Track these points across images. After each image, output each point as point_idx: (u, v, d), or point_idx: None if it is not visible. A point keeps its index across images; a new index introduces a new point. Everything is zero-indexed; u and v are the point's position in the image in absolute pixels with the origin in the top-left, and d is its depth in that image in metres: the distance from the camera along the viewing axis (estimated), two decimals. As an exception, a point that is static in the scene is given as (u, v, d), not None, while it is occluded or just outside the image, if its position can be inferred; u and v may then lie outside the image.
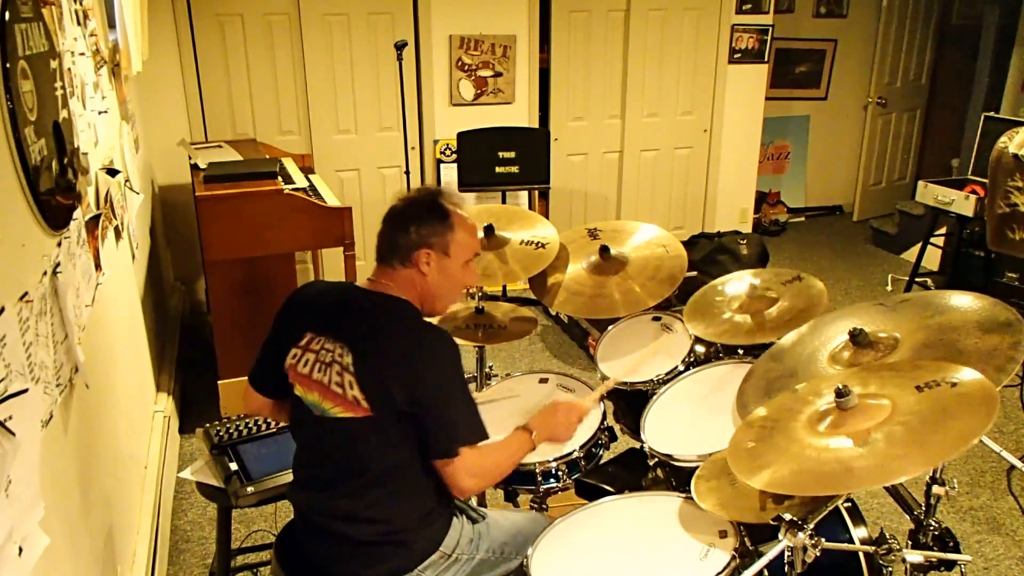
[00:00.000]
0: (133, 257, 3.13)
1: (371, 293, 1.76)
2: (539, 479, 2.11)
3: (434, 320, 2.63)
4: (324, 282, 1.98)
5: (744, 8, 5.60)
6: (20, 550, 1.10)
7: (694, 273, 4.17)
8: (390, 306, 1.73)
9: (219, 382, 3.54)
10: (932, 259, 5.31)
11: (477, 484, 1.74)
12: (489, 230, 2.53)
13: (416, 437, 1.67)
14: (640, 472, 2.15)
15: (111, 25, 3.05)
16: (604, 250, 2.47)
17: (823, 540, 1.49)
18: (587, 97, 5.50)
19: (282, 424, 2.20)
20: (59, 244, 1.60)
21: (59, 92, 1.75)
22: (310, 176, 4.16)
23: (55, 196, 1.60)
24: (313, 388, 1.70)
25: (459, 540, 1.78)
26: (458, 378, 1.71)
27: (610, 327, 2.61)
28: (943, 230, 5.18)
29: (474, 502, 2.35)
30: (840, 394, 1.47)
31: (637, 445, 2.21)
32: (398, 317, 1.72)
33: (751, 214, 6.21)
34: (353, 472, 1.69)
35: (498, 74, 5.14)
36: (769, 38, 5.73)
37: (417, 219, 1.75)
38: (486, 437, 1.73)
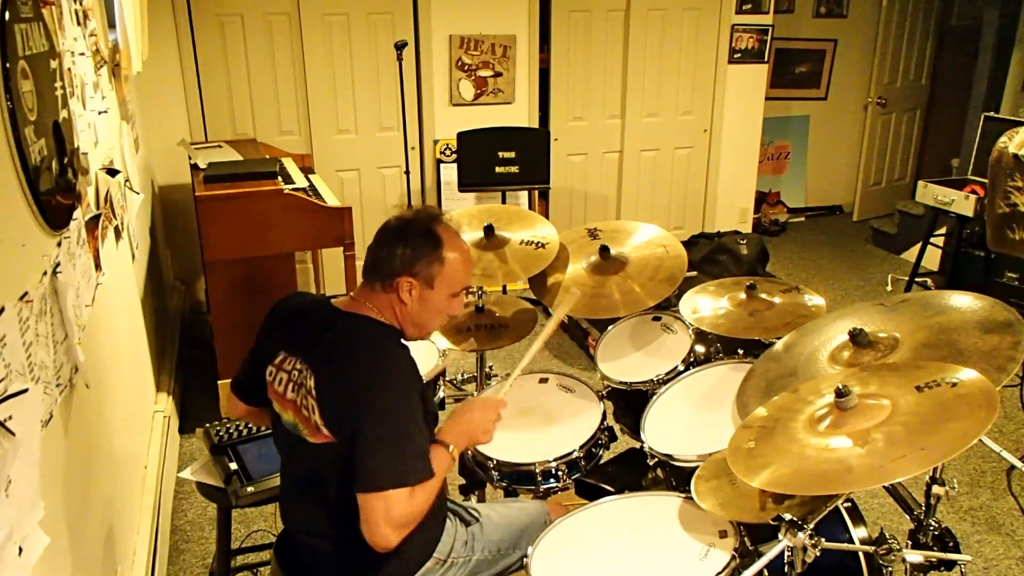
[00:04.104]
0: (133, 257, 3.13)
1: (344, 314, 1.69)
2: (539, 479, 2.11)
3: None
4: (304, 296, 1.88)
5: (744, 8, 5.60)
6: (20, 550, 1.10)
7: (694, 273, 4.19)
8: (359, 330, 1.66)
9: (219, 382, 3.54)
10: (932, 259, 5.31)
11: (400, 536, 1.52)
12: (489, 230, 2.53)
13: None
14: (640, 472, 2.15)
15: (111, 25, 3.05)
16: (604, 250, 2.47)
17: (823, 540, 1.49)
18: (587, 97, 5.50)
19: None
20: (59, 244, 1.60)
21: (59, 92, 1.75)
22: (310, 176, 4.16)
23: (55, 196, 1.60)
24: (288, 407, 1.67)
25: (453, 544, 1.77)
26: (399, 413, 1.56)
27: (610, 327, 2.61)
28: (943, 230, 5.18)
29: (473, 501, 2.35)
30: (840, 394, 1.47)
31: (637, 445, 2.21)
32: (363, 343, 1.63)
33: (751, 214, 6.21)
34: (326, 494, 1.63)
35: (498, 74, 5.14)
36: (769, 38, 5.73)
37: (405, 242, 1.65)
38: (420, 478, 1.56)
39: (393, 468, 1.53)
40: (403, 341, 1.67)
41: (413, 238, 1.66)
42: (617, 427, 2.42)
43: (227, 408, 1.91)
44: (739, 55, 5.70)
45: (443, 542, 1.75)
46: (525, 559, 1.70)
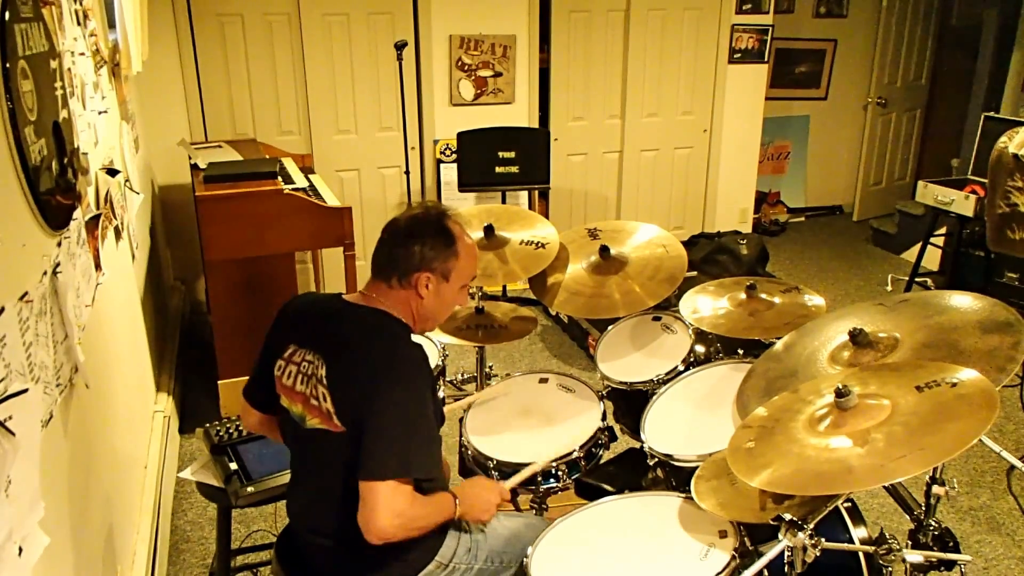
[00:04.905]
0: (133, 257, 3.13)
1: (357, 307, 1.71)
2: (539, 479, 2.11)
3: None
4: (313, 294, 1.92)
5: (744, 8, 5.60)
6: (20, 550, 1.10)
7: (694, 273, 4.18)
8: (372, 322, 1.69)
9: (219, 382, 3.54)
10: (932, 259, 5.31)
11: (396, 529, 1.54)
12: (489, 230, 2.53)
13: None
14: (640, 472, 2.15)
15: (111, 25, 3.04)
16: (604, 250, 2.47)
17: (823, 540, 1.49)
18: (587, 97, 5.50)
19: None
20: (59, 244, 1.60)
21: (59, 92, 1.75)
22: (310, 176, 4.16)
23: (55, 196, 1.60)
24: (297, 400, 1.68)
25: (456, 550, 1.77)
26: (410, 405, 1.59)
27: (610, 327, 2.61)
28: (943, 230, 5.18)
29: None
30: (840, 394, 1.47)
31: (637, 445, 2.21)
32: (376, 334, 1.67)
33: (751, 214, 6.21)
34: (336, 486, 1.64)
35: (498, 74, 5.14)
36: (769, 38, 5.73)
37: (422, 240, 1.70)
38: (426, 476, 1.60)
39: (397, 458, 1.54)
40: (413, 338, 1.70)
41: (429, 235, 1.71)
42: (617, 427, 2.42)
43: (242, 418, 1.92)
44: (739, 55, 5.70)
45: (446, 546, 1.76)
46: (525, 559, 1.70)
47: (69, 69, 1.97)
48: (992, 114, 4.95)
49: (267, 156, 4.16)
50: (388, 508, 1.52)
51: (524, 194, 5.36)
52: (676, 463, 1.96)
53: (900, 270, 5.62)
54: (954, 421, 1.36)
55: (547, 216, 5.34)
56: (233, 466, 2.12)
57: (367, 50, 4.85)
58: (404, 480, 1.55)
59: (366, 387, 1.57)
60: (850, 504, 1.81)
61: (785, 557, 1.50)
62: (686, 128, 5.80)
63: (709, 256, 4.93)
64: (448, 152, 5.11)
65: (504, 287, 4.91)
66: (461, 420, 2.33)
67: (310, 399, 1.65)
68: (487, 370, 2.80)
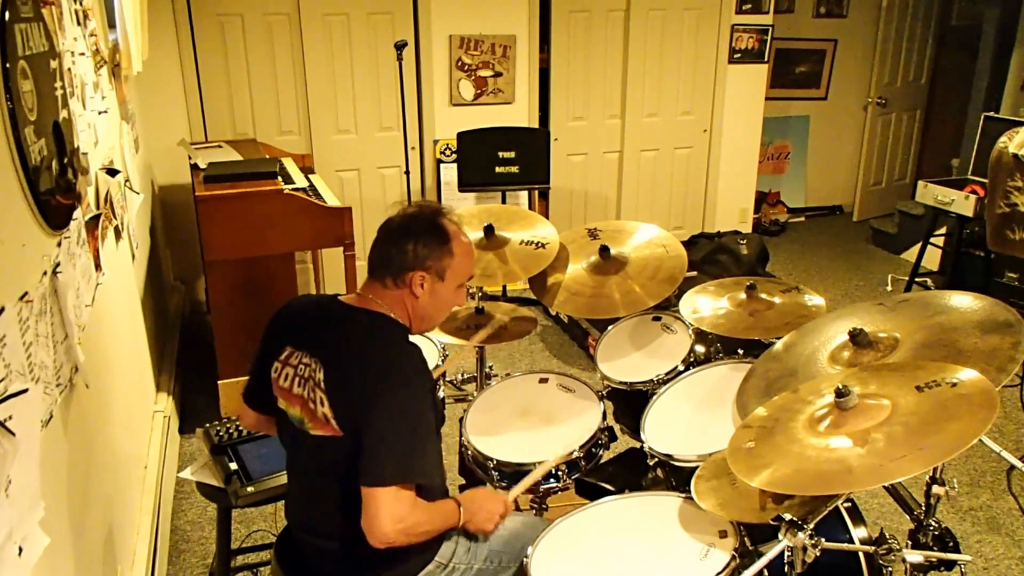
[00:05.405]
0: (133, 257, 3.13)
1: (353, 309, 1.70)
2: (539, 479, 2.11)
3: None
4: (310, 296, 1.91)
5: (744, 8, 5.60)
6: (20, 550, 1.10)
7: (694, 273, 4.18)
8: (370, 324, 1.68)
9: (219, 382, 3.54)
10: (932, 259, 5.31)
11: (399, 534, 1.53)
12: (489, 230, 2.53)
13: None
14: (640, 472, 2.15)
15: (111, 25, 3.05)
16: (604, 250, 2.47)
17: (823, 540, 1.49)
18: (587, 97, 5.50)
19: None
20: (59, 244, 1.60)
21: (59, 92, 1.75)
22: (310, 176, 4.16)
23: (55, 196, 1.60)
24: (295, 403, 1.68)
25: (455, 550, 1.77)
26: (410, 408, 1.58)
27: (610, 327, 2.61)
28: (943, 230, 5.18)
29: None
30: (840, 394, 1.47)
31: (637, 445, 2.21)
32: (374, 336, 1.66)
33: (751, 214, 6.21)
34: (335, 488, 1.63)
35: (498, 74, 5.14)
36: (769, 38, 5.73)
37: (416, 238, 1.69)
38: (428, 481, 1.60)
39: (397, 462, 1.54)
40: (411, 339, 1.69)
41: (423, 234, 1.69)
42: (617, 427, 2.42)
43: (241, 418, 1.92)
44: (739, 55, 5.70)
45: (445, 546, 1.76)
46: (525, 559, 1.70)
47: (69, 69, 1.97)
48: (992, 114, 4.95)
49: (267, 156, 4.16)
50: (389, 514, 1.51)
51: (524, 194, 5.36)
52: (676, 463, 1.96)
53: (900, 270, 5.62)
54: (954, 421, 1.36)
55: (547, 216, 5.34)
56: (233, 466, 2.12)
57: (367, 50, 4.85)
58: (405, 485, 1.55)
59: (364, 391, 1.56)
60: (850, 504, 1.81)
61: (785, 557, 1.50)
62: (686, 128, 5.80)
63: (709, 256, 4.93)
64: (448, 152, 5.11)
65: (504, 287, 4.91)
66: (461, 420, 2.33)
67: (308, 403, 1.64)
68: (487, 370, 2.80)
